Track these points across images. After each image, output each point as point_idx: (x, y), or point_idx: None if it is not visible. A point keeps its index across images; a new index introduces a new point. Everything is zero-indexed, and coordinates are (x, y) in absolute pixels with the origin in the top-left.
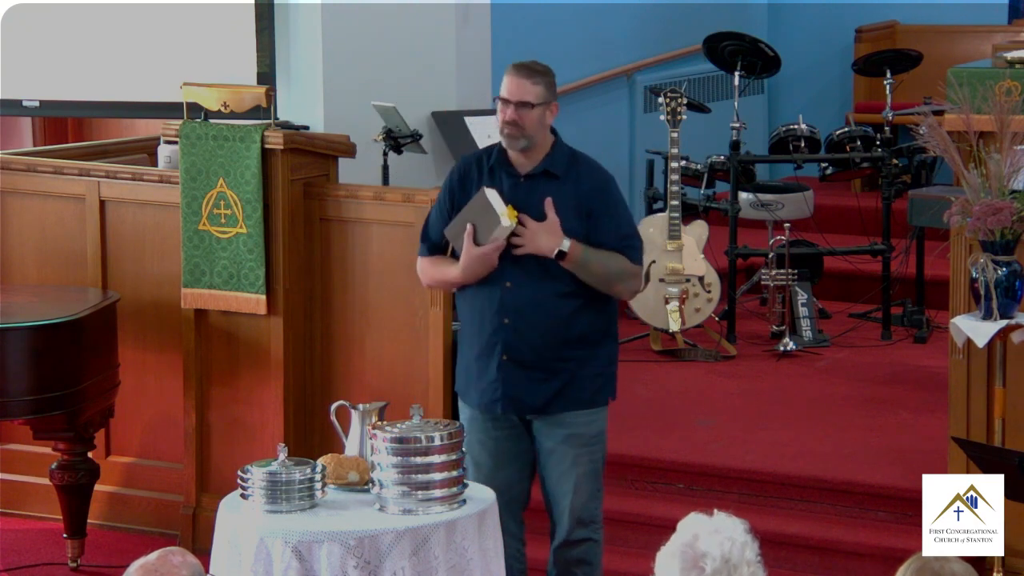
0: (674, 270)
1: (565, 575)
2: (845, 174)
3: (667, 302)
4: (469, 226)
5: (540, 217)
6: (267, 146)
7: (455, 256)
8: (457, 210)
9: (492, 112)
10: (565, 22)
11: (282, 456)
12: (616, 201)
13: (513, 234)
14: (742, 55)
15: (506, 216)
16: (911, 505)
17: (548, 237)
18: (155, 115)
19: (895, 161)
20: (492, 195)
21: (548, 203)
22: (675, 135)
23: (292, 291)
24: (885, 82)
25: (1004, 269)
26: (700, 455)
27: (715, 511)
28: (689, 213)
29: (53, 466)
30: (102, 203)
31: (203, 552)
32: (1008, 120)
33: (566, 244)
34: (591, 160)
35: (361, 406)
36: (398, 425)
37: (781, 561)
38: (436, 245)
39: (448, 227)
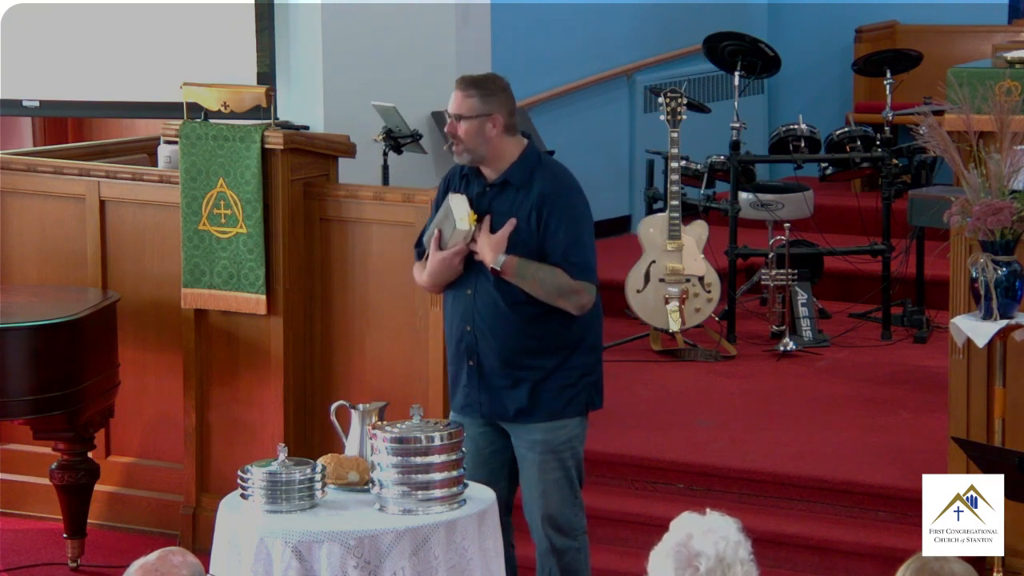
0: (674, 270)
1: None
2: (845, 174)
3: (667, 302)
4: (436, 231)
5: (501, 226)
6: (267, 146)
7: None
8: None
9: None
10: (565, 22)
11: (282, 456)
12: (568, 211)
13: (474, 240)
14: (742, 55)
15: (464, 220)
16: (911, 505)
17: (488, 251)
18: (155, 115)
19: (895, 161)
20: (456, 200)
21: (510, 223)
22: (675, 135)
23: (292, 291)
24: (885, 82)
25: (1004, 269)
26: (700, 455)
27: (707, 510)
28: (689, 213)
29: (53, 466)
30: (102, 203)
31: (203, 552)
32: (1008, 120)
33: (500, 260)
34: (555, 168)
35: (361, 406)
36: (398, 425)
37: (781, 561)
38: (425, 250)
39: (427, 233)
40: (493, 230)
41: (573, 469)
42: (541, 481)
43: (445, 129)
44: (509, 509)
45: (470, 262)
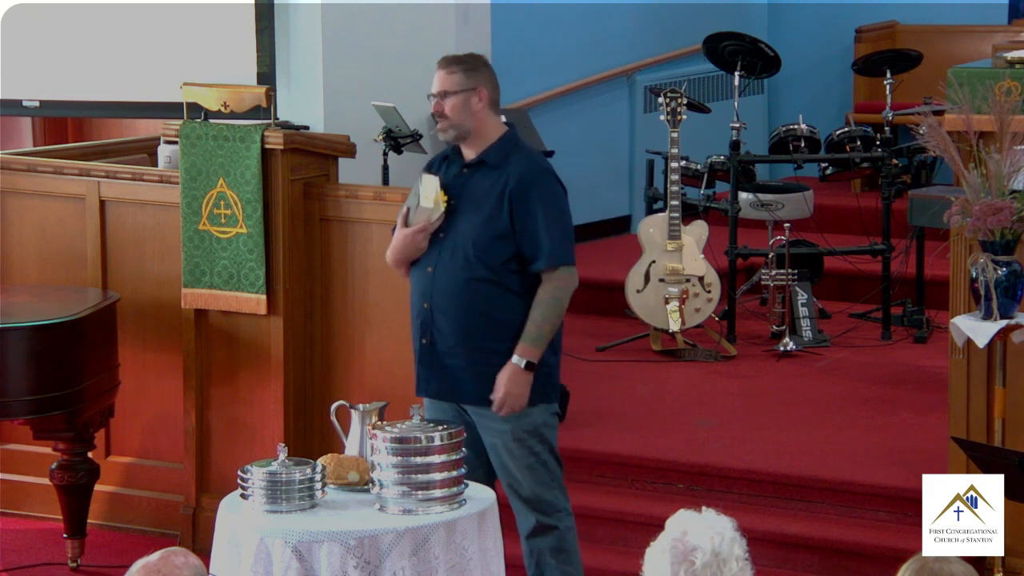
0: (674, 270)
1: (541, 565)
2: (845, 174)
3: (667, 302)
4: (404, 207)
5: (476, 204)
6: (267, 146)
7: None
8: None
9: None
10: (565, 22)
11: (282, 456)
12: (543, 195)
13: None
14: (742, 55)
15: (428, 199)
16: (911, 505)
17: (517, 396)
18: (155, 115)
19: (895, 161)
20: (427, 179)
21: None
22: (675, 135)
23: (292, 291)
24: (885, 82)
25: (1004, 269)
26: (700, 455)
27: (704, 508)
28: (689, 213)
29: (53, 466)
30: (102, 203)
31: (203, 552)
32: (1008, 120)
33: (522, 362)
34: (529, 154)
35: (361, 406)
36: (398, 425)
37: (781, 561)
38: None
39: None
40: (467, 207)
41: (545, 454)
42: (515, 468)
43: (432, 110)
44: None
45: (433, 240)
